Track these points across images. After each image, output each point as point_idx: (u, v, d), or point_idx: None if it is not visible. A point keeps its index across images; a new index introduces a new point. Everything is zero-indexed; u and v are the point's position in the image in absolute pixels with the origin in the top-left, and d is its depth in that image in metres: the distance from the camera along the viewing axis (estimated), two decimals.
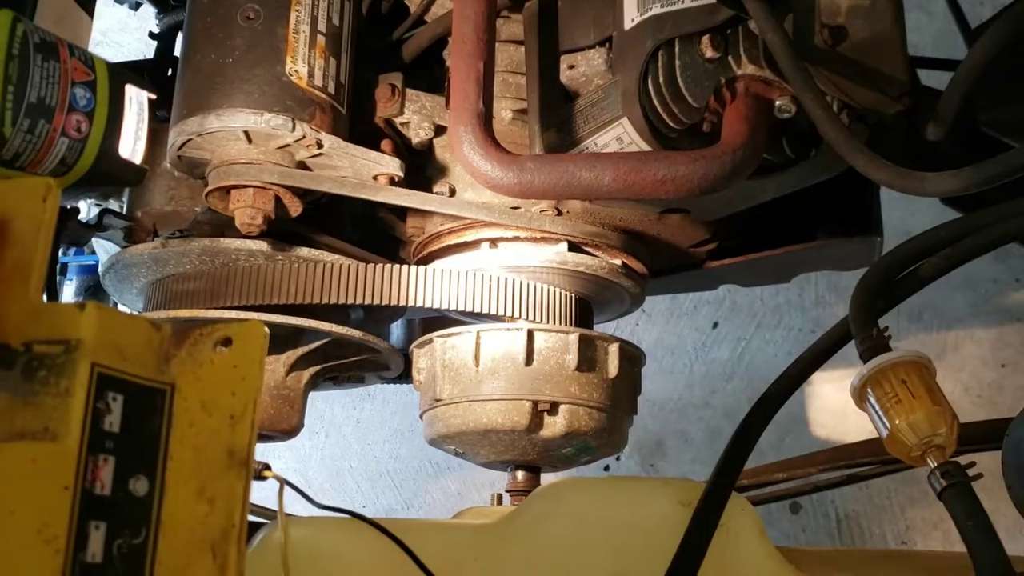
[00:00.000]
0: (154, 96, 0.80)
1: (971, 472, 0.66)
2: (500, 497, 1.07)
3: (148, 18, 1.34)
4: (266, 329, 0.59)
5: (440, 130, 1.06)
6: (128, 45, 2.43)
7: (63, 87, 0.70)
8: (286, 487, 0.78)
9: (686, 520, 0.74)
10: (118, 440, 0.52)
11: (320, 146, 0.96)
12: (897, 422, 0.68)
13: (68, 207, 0.92)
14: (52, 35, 0.71)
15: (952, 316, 1.84)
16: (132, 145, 0.76)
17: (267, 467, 0.79)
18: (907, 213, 1.71)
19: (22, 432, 0.49)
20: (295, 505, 0.88)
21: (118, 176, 0.77)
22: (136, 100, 0.77)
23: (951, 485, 0.65)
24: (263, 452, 1.48)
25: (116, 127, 0.74)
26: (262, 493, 0.83)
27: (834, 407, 1.83)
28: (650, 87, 0.90)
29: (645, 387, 1.11)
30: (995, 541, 0.63)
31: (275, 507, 0.80)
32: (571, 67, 1.01)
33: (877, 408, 0.70)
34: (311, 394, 1.12)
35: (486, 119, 0.90)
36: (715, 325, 2.01)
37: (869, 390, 0.71)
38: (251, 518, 0.85)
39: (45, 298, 1.08)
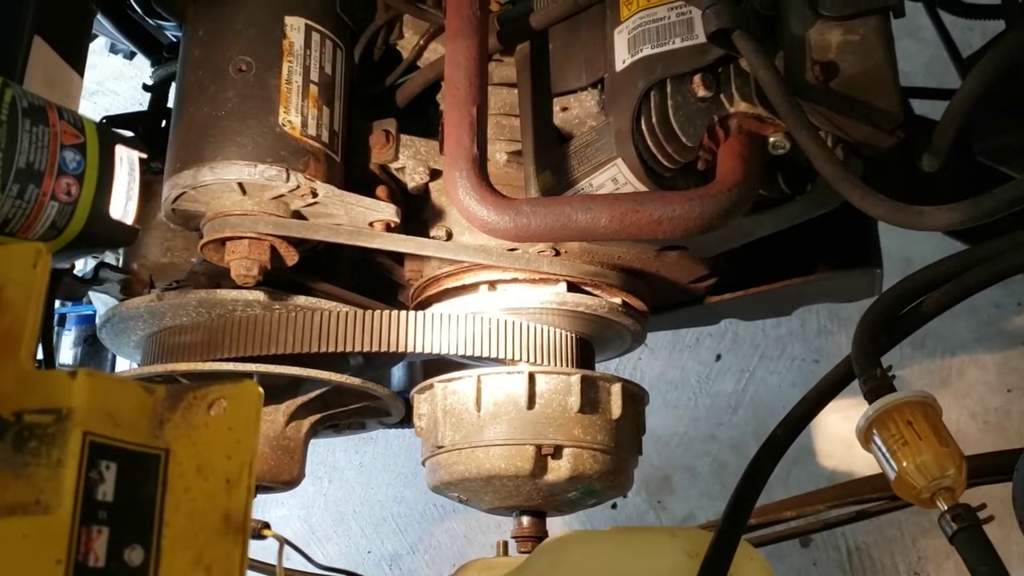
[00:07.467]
0: (145, 155, 0.79)
1: (982, 515, 0.65)
2: (506, 544, 1.06)
3: (144, 67, 1.35)
4: (260, 389, 0.58)
5: (435, 174, 1.05)
6: (124, 94, 2.44)
7: (52, 151, 0.70)
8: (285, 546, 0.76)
9: (694, 572, 0.73)
10: (112, 510, 0.51)
11: (315, 195, 0.96)
12: (905, 464, 0.67)
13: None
14: (41, 99, 0.72)
15: (956, 342, 1.83)
16: (123, 206, 0.76)
17: (266, 525, 0.78)
18: (907, 242, 1.70)
19: (13, 506, 0.48)
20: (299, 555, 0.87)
21: (109, 237, 0.76)
22: (127, 160, 0.77)
23: (962, 529, 0.64)
24: (266, 498, 1.47)
25: (106, 189, 0.74)
26: (263, 543, 0.82)
27: (842, 437, 1.81)
28: (643, 127, 0.90)
29: (650, 422, 1.10)
30: None
31: (275, 562, 0.79)
32: (564, 109, 1.01)
33: (884, 450, 0.69)
34: (312, 439, 1.10)
35: (480, 163, 0.90)
36: (718, 358, 2.00)
37: (875, 431, 0.70)
38: (251, 574, 0.84)
39: (41, 356, 1.07)
